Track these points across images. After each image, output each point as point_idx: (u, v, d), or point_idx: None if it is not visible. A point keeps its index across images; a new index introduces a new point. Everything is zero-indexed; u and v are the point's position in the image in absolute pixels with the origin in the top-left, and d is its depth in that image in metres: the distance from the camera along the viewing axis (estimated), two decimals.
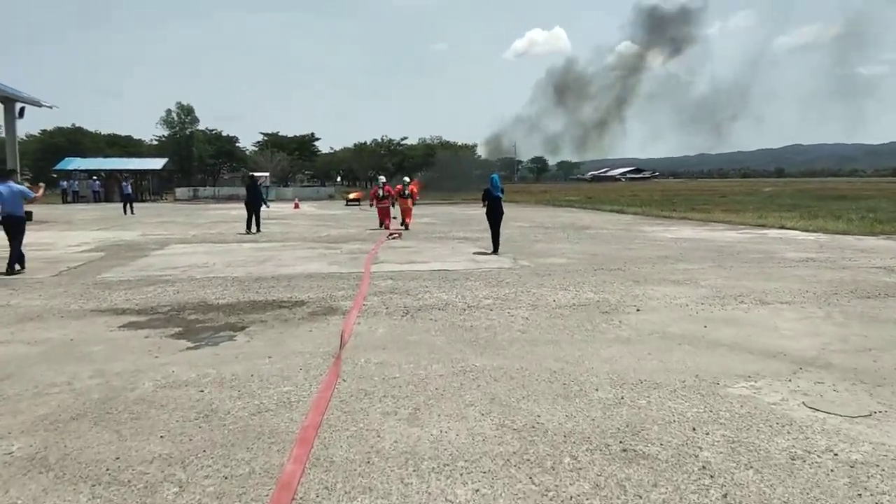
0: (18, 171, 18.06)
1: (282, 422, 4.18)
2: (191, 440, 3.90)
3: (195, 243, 15.97)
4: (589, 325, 6.94)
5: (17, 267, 10.95)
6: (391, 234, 16.94)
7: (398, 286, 9.50)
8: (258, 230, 19.11)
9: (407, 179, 22.91)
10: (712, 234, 17.55)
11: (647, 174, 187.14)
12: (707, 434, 3.96)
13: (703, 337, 6.39)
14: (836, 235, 16.99)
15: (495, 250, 13.49)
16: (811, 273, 10.51)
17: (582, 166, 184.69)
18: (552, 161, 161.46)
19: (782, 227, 19.20)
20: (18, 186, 11.36)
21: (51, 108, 28.43)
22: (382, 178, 23.76)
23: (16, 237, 11.02)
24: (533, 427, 4.08)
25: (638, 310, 7.75)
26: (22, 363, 5.59)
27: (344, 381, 5.03)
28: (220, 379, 5.09)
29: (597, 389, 4.81)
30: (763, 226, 20.05)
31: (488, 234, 14.06)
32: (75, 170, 49.08)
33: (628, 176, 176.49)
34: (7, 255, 10.99)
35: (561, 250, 13.94)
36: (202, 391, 4.80)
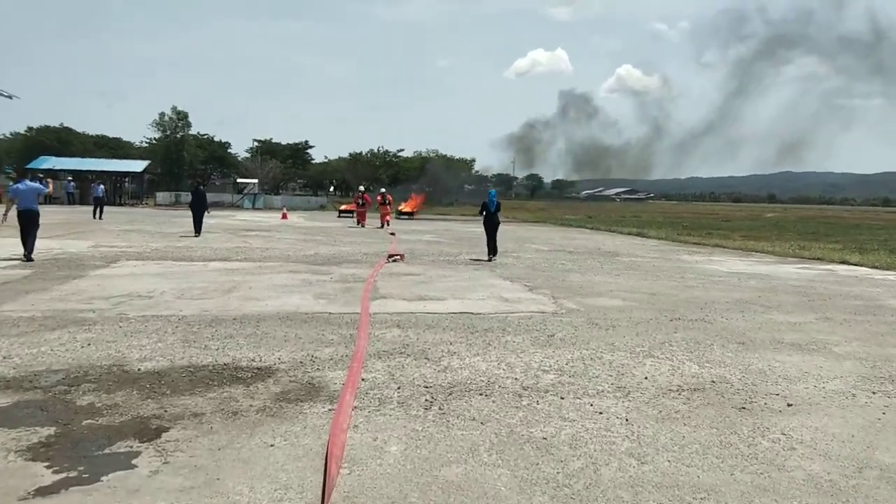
0: None
1: None
2: None
3: (152, 260, 13.07)
4: (738, 442, 4.16)
5: (33, 256, 12.30)
6: (392, 258, 14.13)
7: (409, 340, 6.69)
8: (198, 234, 20.33)
9: (383, 190, 30.58)
10: (771, 269, 14.84)
11: (642, 195, 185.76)
12: None
13: None
14: None
15: (492, 257, 15.14)
16: None
17: (577, 185, 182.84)
18: (548, 179, 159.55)
19: (844, 262, 16.53)
20: (34, 184, 13.28)
21: (10, 97, 25.51)
22: (361, 188, 30.39)
23: (32, 230, 12.45)
24: None
25: (789, 405, 4.98)
26: None
27: None
28: None
29: None
30: (820, 259, 17.38)
31: (507, 260, 14.81)
32: (50, 169, 45.92)
33: (623, 196, 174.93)
34: (20, 246, 12.27)
35: (605, 285, 11.17)
36: None
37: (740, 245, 22.00)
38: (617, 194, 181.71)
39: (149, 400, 4.65)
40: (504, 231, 25.62)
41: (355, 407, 4.57)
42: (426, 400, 4.78)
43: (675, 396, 5.09)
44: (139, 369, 5.38)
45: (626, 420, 4.50)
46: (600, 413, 4.63)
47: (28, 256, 12.21)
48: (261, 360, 5.77)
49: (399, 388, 5.06)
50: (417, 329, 7.24)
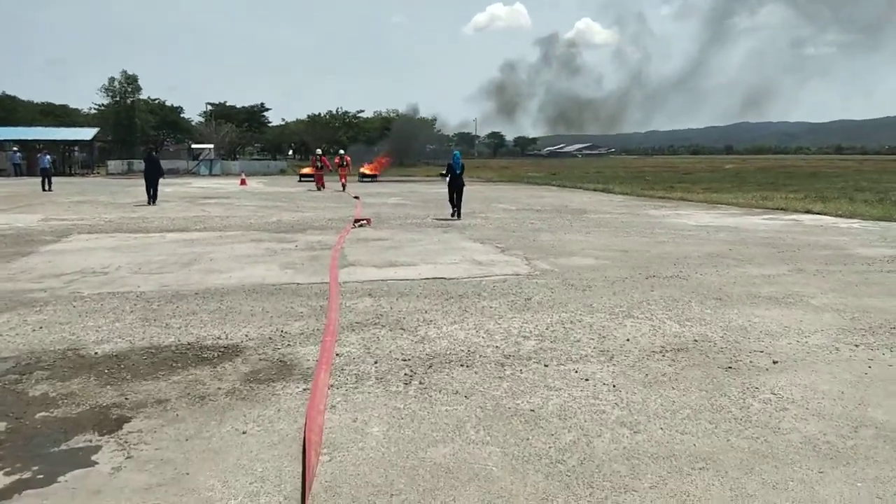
0: None
1: None
2: None
3: (106, 233, 12.49)
4: (729, 405, 4.04)
5: None
6: (358, 222, 13.77)
7: (383, 309, 6.44)
8: (154, 202, 20.00)
9: (342, 152, 30.74)
10: (738, 221, 14.91)
11: (602, 151, 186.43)
12: None
13: None
14: (878, 222, 14.56)
15: (456, 215, 15.40)
16: None
17: (538, 142, 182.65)
18: (509, 136, 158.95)
19: (808, 212, 16.73)
20: None
21: None
22: (319, 151, 30.94)
23: None
24: None
25: (775, 362, 4.89)
26: None
27: None
28: None
29: None
30: (783, 209, 17.56)
31: (476, 221, 14.62)
32: None
33: (584, 152, 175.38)
34: None
35: (577, 244, 11.03)
36: None
37: (705, 198, 22.13)
38: (578, 150, 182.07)
39: (108, 387, 4.33)
40: (470, 191, 25.33)
41: (331, 385, 4.33)
42: (405, 374, 4.56)
43: (659, 358, 4.96)
44: (96, 353, 5.04)
45: (614, 386, 4.35)
46: (586, 380, 4.47)
47: None
48: (227, 338, 5.46)
49: (376, 362, 4.83)
50: (390, 297, 6.99)
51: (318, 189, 28.32)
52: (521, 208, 18.75)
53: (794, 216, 16.03)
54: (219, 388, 4.29)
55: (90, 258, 9.40)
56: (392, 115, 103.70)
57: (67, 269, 8.56)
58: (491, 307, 6.56)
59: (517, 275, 8.30)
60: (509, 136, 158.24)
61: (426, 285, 7.63)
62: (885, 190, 25.63)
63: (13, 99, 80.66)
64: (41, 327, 5.73)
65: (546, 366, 4.76)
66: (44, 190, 26.18)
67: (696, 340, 5.45)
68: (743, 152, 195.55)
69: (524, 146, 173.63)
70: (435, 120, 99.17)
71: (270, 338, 5.47)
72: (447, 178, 15.71)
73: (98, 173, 46.80)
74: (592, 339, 5.46)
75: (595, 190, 28.07)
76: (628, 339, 5.45)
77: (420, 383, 4.38)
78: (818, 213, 16.32)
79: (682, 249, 10.42)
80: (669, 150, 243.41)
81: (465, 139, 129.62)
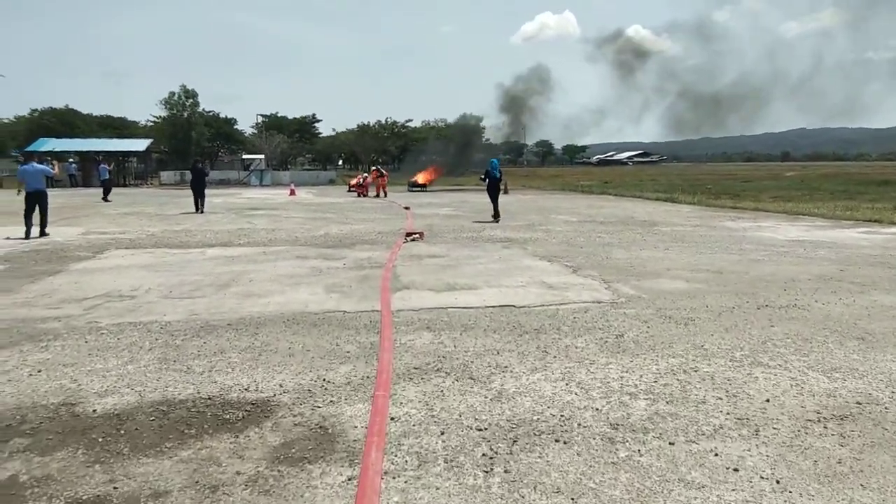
0: None
1: None
2: None
3: (144, 248, 11.74)
4: None
5: (48, 231, 13.47)
6: (410, 236, 12.73)
7: (445, 349, 5.32)
8: (201, 211, 20.67)
9: (378, 167, 35.22)
10: (832, 235, 13.30)
11: (654, 158, 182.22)
12: None
13: None
14: None
15: (496, 219, 16.60)
16: None
17: (587, 150, 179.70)
18: (558, 145, 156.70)
19: None
20: (40, 166, 13.94)
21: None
22: (365, 174, 34.58)
23: (44, 208, 13.42)
24: None
25: None
26: None
27: None
28: None
29: None
30: (878, 222, 15.79)
31: (537, 235, 13.76)
32: (51, 151, 44.65)
33: (635, 160, 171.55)
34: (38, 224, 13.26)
35: (658, 262, 9.72)
36: None
37: (782, 208, 20.39)
38: (629, 158, 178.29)
39: (96, 466, 3.31)
40: (524, 201, 24.09)
41: (385, 472, 3.21)
42: (484, 455, 3.41)
43: (821, 433, 3.69)
44: (95, 410, 4.04)
45: (777, 483, 3.11)
46: (735, 470, 3.24)
47: (42, 232, 13.28)
48: (257, 389, 4.41)
49: (442, 432, 3.69)
50: (452, 332, 5.86)
51: (358, 195, 31.29)
52: (583, 220, 17.42)
53: (894, 230, 14.28)
54: (237, 473, 3.22)
55: (120, 278, 8.56)
56: (440, 124, 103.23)
57: (92, 291, 7.71)
58: (577, 347, 5.37)
59: (599, 302, 7.07)
60: (558, 145, 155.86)
61: (493, 315, 6.47)
62: None
63: (73, 112, 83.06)
64: (40, 370, 4.80)
65: (672, 443, 3.54)
66: (105, 201, 26.22)
67: (858, 403, 4.14)
68: (801, 159, 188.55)
69: (573, 154, 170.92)
70: (484, 128, 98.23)
71: (310, 390, 4.39)
72: (486, 183, 17.28)
73: (152, 184, 47.24)
74: (720, 398, 4.21)
75: (658, 199, 26.44)
76: (767, 400, 4.18)
77: (505, 471, 3.23)
78: None
79: (784, 270, 9.01)
80: (723, 156, 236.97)
81: (514, 148, 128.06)
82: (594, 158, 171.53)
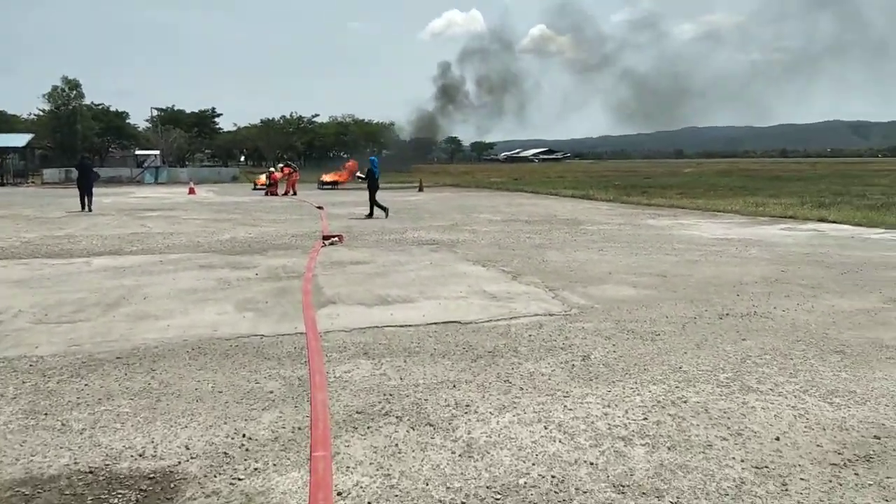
0: None
1: None
2: None
3: (18, 258, 10.12)
4: None
5: None
6: (328, 239, 11.69)
7: (390, 383, 4.45)
8: (90, 209, 19.49)
9: (289, 162, 36.37)
10: (755, 233, 13.31)
11: (558, 155, 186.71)
12: None
13: None
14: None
15: (369, 215, 16.88)
16: None
17: (495, 147, 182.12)
18: (466, 142, 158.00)
19: (822, 220, 15.30)
20: None
21: None
22: (271, 169, 33.05)
23: None
24: None
25: None
26: None
27: None
28: None
29: None
30: (793, 217, 16.08)
31: (463, 236, 13.04)
32: None
33: (541, 157, 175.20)
34: None
35: (598, 266, 9.20)
36: None
37: (696, 205, 20.68)
38: (535, 155, 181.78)
39: None
40: (442, 199, 23.53)
41: None
42: None
43: (857, 483, 3.10)
44: None
45: None
46: None
47: None
48: (155, 454, 3.40)
49: None
50: (395, 358, 4.99)
51: (266, 194, 29.68)
52: (507, 219, 16.88)
53: (811, 226, 14.53)
54: None
55: None
56: (348, 119, 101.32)
57: None
58: (542, 374, 4.63)
59: (550, 314, 6.39)
60: (466, 142, 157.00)
61: (438, 335, 5.66)
62: (861, 194, 24.67)
63: None
64: None
65: None
66: None
67: (876, 437, 3.62)
68: (693, 156, 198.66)
69: (480, 151, 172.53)
70: (392, 124, 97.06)
71: (226, 452, 3.42)
72: (366, 181, 17.57)
73: (33, 182, 43.32)
74: (725, 439, 3.58)
75: (574, 197, 26.41)
76: (778, 438, 3.59)
77: None
78: (834, 222, 14.87)
79: (726, 272, 8.68)
80: (622, 154, 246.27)
81: (424, 144, 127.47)
82: (502, 155, 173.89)
